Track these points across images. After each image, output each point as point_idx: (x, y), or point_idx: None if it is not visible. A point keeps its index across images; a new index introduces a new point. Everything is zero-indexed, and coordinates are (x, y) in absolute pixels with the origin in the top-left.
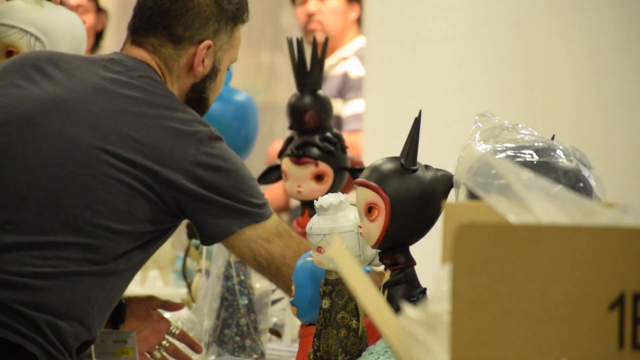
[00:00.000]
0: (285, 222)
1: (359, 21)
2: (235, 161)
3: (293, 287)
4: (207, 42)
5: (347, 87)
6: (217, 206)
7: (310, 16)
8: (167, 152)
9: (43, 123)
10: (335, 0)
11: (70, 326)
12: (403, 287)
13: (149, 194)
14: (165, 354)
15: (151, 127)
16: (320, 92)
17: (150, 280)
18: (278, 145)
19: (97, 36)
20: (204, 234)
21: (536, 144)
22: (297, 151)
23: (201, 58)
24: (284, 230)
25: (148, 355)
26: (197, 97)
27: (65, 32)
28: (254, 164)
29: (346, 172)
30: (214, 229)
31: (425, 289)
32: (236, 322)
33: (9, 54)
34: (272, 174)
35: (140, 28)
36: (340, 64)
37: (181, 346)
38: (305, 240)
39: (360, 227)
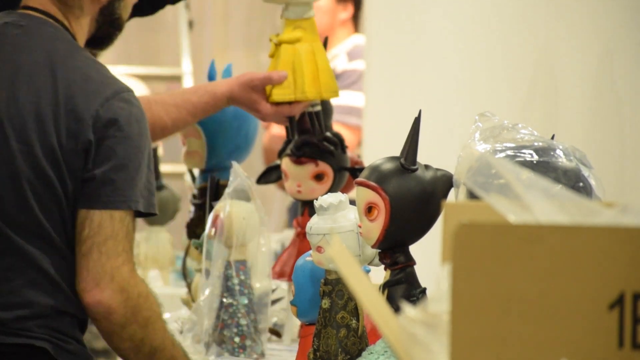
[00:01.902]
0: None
1: (355, 20)
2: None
3: (293, 287)
4: None
5: None
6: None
7: None
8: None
9: None
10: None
11: (59, 317)
12: (403, 287)
13: (55, 173)
14: None
15: (54, 96)
16: None
17: (150, 280)
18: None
19: None
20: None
21: (536, 144)
22: (297, 151)
23: None
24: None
25: None
26: (109, 20)
27: None
28: (254, 163)
29: (346, 172)
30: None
31: (425, 289)
32: (236, 322)
33: None
34: (272, 173)
35: None
36: (332, 61)
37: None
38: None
39: (360, 226)
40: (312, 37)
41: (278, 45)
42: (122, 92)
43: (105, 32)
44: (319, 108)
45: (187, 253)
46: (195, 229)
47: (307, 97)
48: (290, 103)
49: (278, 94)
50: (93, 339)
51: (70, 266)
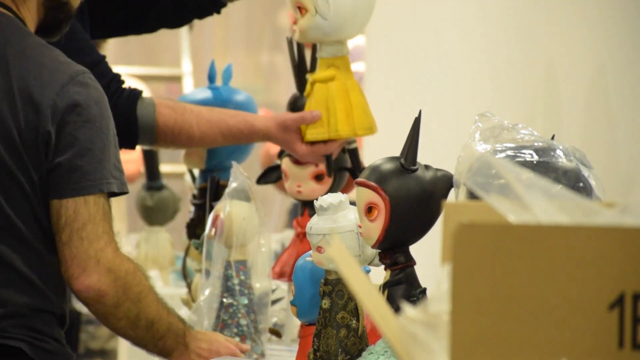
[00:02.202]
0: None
1: None
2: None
3: (293, 287)
4: None
5: None
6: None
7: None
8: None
9: None
10: None
11: (35, 315)
12: (403, 287)
13: (18, 167)
14: None
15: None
16: None
17: None
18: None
19: None
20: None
21: (536, 144)
22: None
23: None
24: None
25: None
26: (58, 4)
27: None
28: (254, 164)
29: (346, 172)
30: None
31: (425, 289)
32: (236, 322)
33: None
34: (272, 174)
35: None
36: None
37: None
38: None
39: (360, 226)
40: (346, 75)
41: (313, 84)
42: (77, 76)
43: (54, 19)
44: (355, 145)
45: (187, 253)
46: (195, 229)
47: (340, 136)
48: (325, 142)
49: (312, 133)
50: (89, 339)
51: (44, 262)
